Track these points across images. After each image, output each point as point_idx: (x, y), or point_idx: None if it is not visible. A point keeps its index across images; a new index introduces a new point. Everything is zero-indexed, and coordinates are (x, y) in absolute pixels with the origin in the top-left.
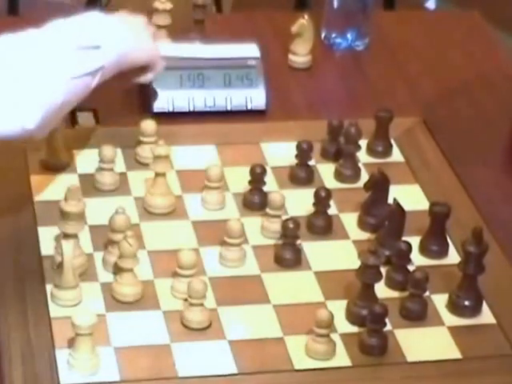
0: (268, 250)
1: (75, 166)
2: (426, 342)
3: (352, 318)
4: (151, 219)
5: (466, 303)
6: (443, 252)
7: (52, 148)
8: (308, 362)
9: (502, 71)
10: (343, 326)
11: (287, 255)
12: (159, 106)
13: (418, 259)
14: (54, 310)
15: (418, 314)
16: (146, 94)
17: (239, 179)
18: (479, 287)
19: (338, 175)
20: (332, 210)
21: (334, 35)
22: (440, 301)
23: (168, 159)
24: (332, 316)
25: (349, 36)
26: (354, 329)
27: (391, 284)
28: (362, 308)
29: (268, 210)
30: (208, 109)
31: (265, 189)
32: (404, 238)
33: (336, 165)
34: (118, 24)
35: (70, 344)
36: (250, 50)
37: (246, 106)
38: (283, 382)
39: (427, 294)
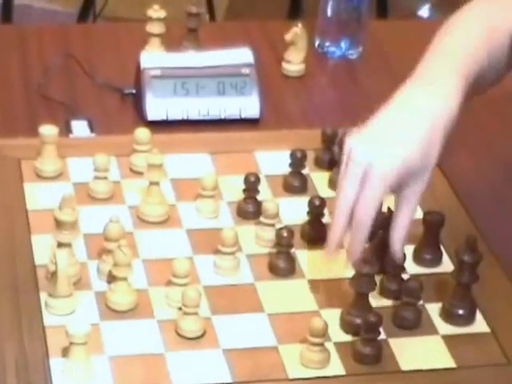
0: (262, 258)
1: (69, 174)
2: (420, 351)
3: (346, 326)
4: (145, 228)
5: (460, 312)
6: (437, 261)
7: (46, 156)
8: (302, 370)
9: None
10: (337, 334)
11: (281, 264)
12: (153, 114)
13: (411, 268)
14: (48, 319)
15: (411, 323)
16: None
17: (233, 188)
18: (473, 296)
19: (332, 184)
20: (326, 219)
21: (327, 44)
22: (434, 309)
23: (162, 168)
24: (326, 325)
25: (342, 45)
26: (348, 338)
27: (385, 293)
28: (356, 317)
29: (262, 219)
30: (202, 117)
31: (259, 197)
32: None
33: (330, 173)
34: None
35: (64, 353)
36: (243, 55)
37: (240, 115)
38: None
39: (421, 302)
